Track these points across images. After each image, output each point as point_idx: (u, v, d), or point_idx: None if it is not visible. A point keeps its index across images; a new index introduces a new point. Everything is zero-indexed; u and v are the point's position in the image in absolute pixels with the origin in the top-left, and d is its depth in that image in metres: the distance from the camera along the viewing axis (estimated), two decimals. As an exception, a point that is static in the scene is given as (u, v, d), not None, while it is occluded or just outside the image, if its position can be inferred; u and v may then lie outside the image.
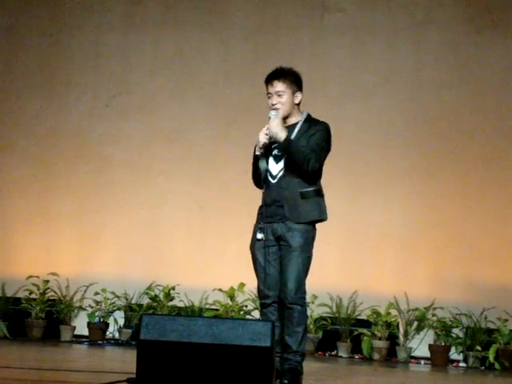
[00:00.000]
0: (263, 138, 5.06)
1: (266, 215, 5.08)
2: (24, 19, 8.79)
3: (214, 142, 8.41)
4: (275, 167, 5.12)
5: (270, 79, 5.14)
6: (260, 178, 5.11)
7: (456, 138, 8.08)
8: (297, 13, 8.43)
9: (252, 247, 5.14)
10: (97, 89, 8.67)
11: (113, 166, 8.54)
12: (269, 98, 5.14)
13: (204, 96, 8.49)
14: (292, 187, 5.07)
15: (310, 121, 5.17)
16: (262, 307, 5.13)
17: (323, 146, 5.11)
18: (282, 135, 5.03)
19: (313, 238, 5.16)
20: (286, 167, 5.08)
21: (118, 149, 8.55)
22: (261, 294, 5.11)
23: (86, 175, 8.55)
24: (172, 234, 8.36)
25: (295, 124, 5.15)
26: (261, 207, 5.14)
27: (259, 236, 5.09)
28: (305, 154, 5.03)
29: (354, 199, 8.15)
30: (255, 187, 5.22)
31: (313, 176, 5.11)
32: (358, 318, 7.82)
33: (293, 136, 5.09)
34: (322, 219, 5.19)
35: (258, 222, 5.15)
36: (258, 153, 5.12)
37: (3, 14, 8.81)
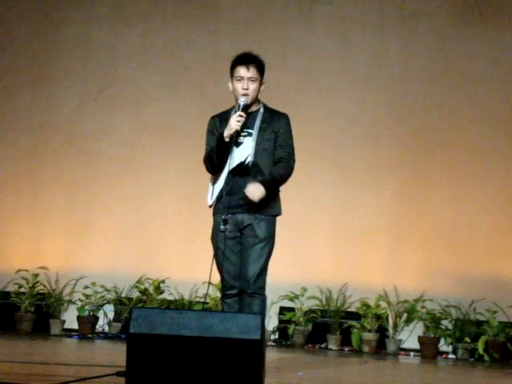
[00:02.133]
0: (236, 126, 4.94)
1: (229, 206, 4.97)
2: (12, 13, 8.76)
3: (203, 134, 8.38)
4: (240, 155, 4.99)
5: (246, 63, 5.00)
6: (222, 163, 4.98)
7: (445, 130, 8.10)
8: (285, 5, 8.43)
9: (214, 239, 5.04)
10: (85, 82, 8.65)
11: (102, 160, 8.52)
12: (238, 81, 5.00)
13: (193, 89, 8.48)
14: (258, 177, 4.93)
15: (269, 110, 5.08)
16: (226, 297, 5.07)
17: (292, 141, 5.08)
18: (260, 194, 4.89)
19: (275, 229, 5.05)
20: (258, 157, 4.95)
21: (107, 142, 8.54)
22: (227, 286, 5.03)
23: (75, 169, 8.53)
24: (162, 227, 8.35)
25: (255, 112, 5.04)
26: (220, 196, 5.00)
27: (222, 227, 4.97)
28: (281, 170, 4.96)
29: (343, 192, 8.16)
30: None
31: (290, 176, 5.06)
32: (348, 310, 7.83)
33: (257, 124, 5.00)
34: (279, 215, 5.08)
35: (216, 213, 5.02)
36: (227, 139, 4.97)
37: (-9, 7, 8.79)
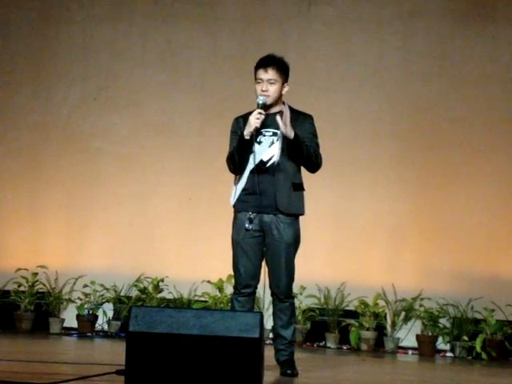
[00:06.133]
0: (255, 123, 5.00)
1: (255, 204, 5.05)
2: (12, 11, 8.77)
3: (202, 133, 8.43)
4: (265, 154, 5.07)
5: (264, 65, 5.08)
6: (244, 162, 5.06)
7: (444, 128, 8.12)
8: (284, 5, 8.44)
9: (235, 236, 5.11)
10: (85, 81, 8.67)
11: (101, 159, 8.54)
12: (258, 83, 5.09)
13: (193, 88, 8.50)
14: (286, 177, 5.07)
15: (295, 111, 5.18)
16: (239, 296, 5.12)
17: (318, 141, 5.21)
18: (291, 132, 5.01)
19: (300, 230, 5.20)
20: (284, 156, 5.06)
21: (107, 141, 8.55)
22: (242, 284, 5.09)
23: (75, 167, 8.55)
24: (161, 226, 8.37)
25: (280, 113, 5.09)
26: (244, 195, 5.09)
27: (248, 226, 5.05)
28: (311, 149, 5.08)
29: (341, 190, 8.17)
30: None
31: (318, 170, 5.19)
32: (346, 308, 7.86)
33: (281, 124, 5.07)
34: (303, 214, 5.23)
35: (241, 211, 5.09)
36: (247, 137, 5.03)
37: (-10, 6, 8.80)
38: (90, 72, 8.67)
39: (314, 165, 5.14)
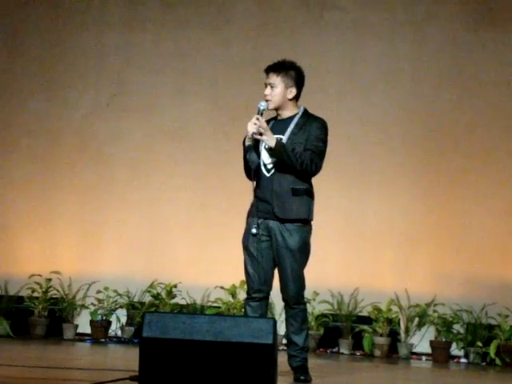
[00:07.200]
0: (252, 128, 5.01)
1: (261, 210, 5.08)
2: (25, 19, 8.81)
3: (214, 139, 8.44)
4: (270, 160, 5.11)
5: (266, 70, 5.17)
6: (250, 169, 5.09)
7: (456, 134, 8.11)
8: (296, 12, 8.45)
9: (245, 241, 5.14)
10: (98, 88, 8.70)
11: (114, 165, 8.56)
12: (265, 87, 5.17)
13: (205, 94, 8.52)
14: (284, 183, 5.07)
15: (307, 115, 5.18)
16: (251, 300, 5.13)
17: (325, 146, 5.15)
18: (272, 142, 5.02)
19: (309, 237, 5.17)
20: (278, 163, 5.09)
21: (120, 147, 8.58)
22: (254, 289, 5.11)
23: (88, 174, 8.57)
24: (174, 231, 8.38)
25: (291, 117, 5.15)
26: (254, 201, 5.13)
27: (254, 231, 5.07)
28: (302, 156, 5.03)
29: (354, 195, 8.17)
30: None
31: (313, 176, 5.14)
32: (359, 314, 7.84)
33: (289, 129, 5.09)
34: (309, 219, 5.16)
35: (250, 216, 5.14)
36: (248, 143, 5.09)
37: (4, 14, 8.83)
38: (102, 78, 8.70)
39: (299, 171, 5.05)
